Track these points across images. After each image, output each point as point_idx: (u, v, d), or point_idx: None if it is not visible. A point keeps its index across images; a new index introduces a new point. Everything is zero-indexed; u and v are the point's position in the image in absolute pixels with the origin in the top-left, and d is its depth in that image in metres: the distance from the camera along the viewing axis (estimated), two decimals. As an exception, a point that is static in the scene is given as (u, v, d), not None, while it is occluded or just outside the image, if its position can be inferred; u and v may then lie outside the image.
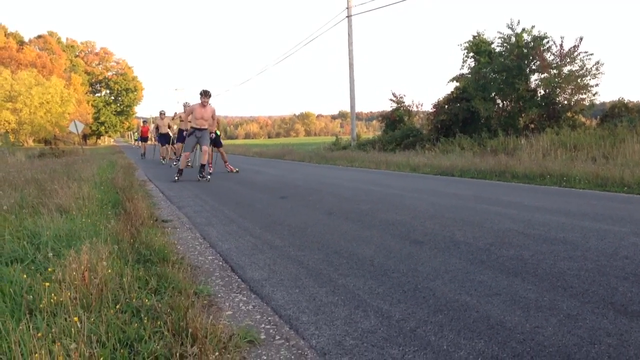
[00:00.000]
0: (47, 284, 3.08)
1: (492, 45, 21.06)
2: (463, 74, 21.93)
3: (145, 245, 4.44)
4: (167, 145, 21.60)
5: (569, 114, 19.11)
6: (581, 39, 18.53)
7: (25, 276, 3.30)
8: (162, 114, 22.10)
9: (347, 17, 24.81)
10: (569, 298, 3.18)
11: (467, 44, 21.57)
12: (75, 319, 2.57)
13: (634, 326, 2.69)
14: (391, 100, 26.05)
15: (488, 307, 3.08)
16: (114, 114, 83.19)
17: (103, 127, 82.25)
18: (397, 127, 24.80)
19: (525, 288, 3.40)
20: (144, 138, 29.57)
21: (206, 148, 12.49)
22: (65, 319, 2.65)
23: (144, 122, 30.33)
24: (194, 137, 12.39)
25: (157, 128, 22.72)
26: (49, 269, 3.50)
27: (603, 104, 21.24)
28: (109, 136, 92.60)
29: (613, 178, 9.29)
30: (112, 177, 11.22)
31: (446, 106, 21.27)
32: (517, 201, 7.43)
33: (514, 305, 3.08)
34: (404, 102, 25.83)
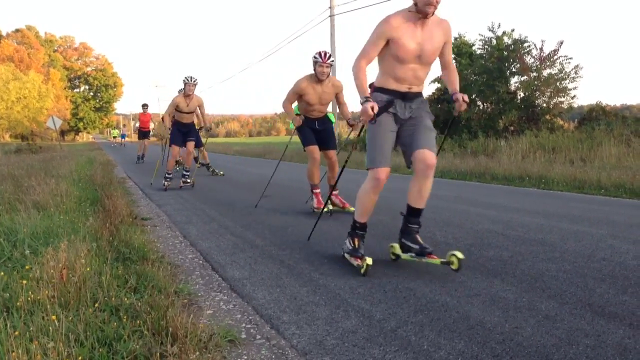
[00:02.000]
0: (25, 281, 3.03)
1: (473, 48, 21.24)
2: (444, 76, 22.05)
3: (125, 243, 4.40)
4: (144, 140, 20.51)
5: (547, 117, 19.35)
6: (561, 43, 18.72)
7: (1, 274, 3.24)
8: (145, 107, 20.73)
9: (330, 16, 24.81)
10: (548, 299, 3.21)
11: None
12: (53, 317, 2.53)
13: (611, 327, 2.73)
14: (373, 100, 26.08)
15: (468, 307, 3.10)
16: (92, 110, 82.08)
17: (82, 124, 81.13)
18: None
19: (505, 289, 3.43)
20: (143, 132, 20.90)
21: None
22: (43, 318, 2.61)
23: (144, 107, 20.83)
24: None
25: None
26: (26, 267, 3.45)
27: (581, 107, 21.55)
28: (88, 133, 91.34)
29: (590, 181, 9.43)
30: (91, 174, 11.09)
31: (427, 107, 21.36)
32: (496, 202, 7.50)
33: (494, 306, 3.11)
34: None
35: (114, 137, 54.94)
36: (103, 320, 2.66)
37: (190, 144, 10.73)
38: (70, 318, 2.65)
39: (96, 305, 2.86)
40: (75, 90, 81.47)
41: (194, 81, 10.08)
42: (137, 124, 21.02)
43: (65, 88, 72.77)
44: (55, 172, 10.28)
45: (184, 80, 10.07)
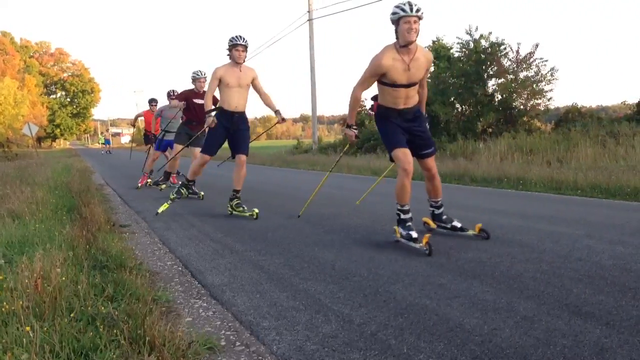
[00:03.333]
0: (-2, 292, 2.97)
1: (451, 51, 21.42)
2: (423, 79, 22.18)
3: (102, 251, 4.34)
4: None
5: (525, 119, 19.60)
6: (537, 45, 19.03)
7: (-26, 285, 3.18)
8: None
9: (309, 20, 24.88)
10: (526, 300, 3.24)
11: (426, 49, 21.82)
12: (28, 328, 2.49)
13: (588, 327, 2.76)
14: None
15: (447, 309, 3.11)
16: (69, 117, 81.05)
17: (58, 130, 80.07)
18: (359, 130, 24.94)
19: (484, 290, 3.45)
20: (148, 137, 13.37)
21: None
22: (17, 328, 2.57)
23: (152, 103, 13.27)
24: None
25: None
26: (0, 277, 3.38)
27: (557, 109, 21.83)
28: (65, 139, 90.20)
29: (567, 181, 9.55)
30: (68, 181, 10.96)
31: (406, 110, 21.46)
32: (475, 204, 7.56)
33: (473, 308, 3.12)
34: (365, 106, 26.02)
35: (104, 144, 50.65)
36: (79, 330, 2.62)
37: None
38: (46, 329, 2.60)
39: (72, 315, 2.81)
40: (51, 96, 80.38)
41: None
42: (141, 123, 14.59)
43: (41, 94, 71.71)
44: (31, 180, 10.15)
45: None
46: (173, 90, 11.23)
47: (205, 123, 6.88)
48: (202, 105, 8.60)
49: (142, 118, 13.70)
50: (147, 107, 13.47)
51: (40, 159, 26.68)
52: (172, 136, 10.18)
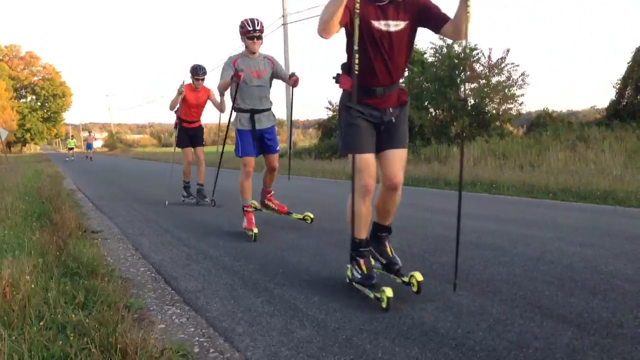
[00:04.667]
0: (-35, 301, 2.90)
1: (425, 56, 21.61)
2: (397, 83, 22.31)
3: (73, 258, 4.26)
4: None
5: (497, 123, 19.88)
6: (508, 51, 19.37)
7: (-61, 293, 3.10)
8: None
9: (283, 24, 24.86)
10: (499, 303, 3.27)
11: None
12: (-5, 338, 2.43)
13: (559, 329, 2.79)
14: (328, 108, 26.35)
15: (422, 313, 3.13)
16: (40, 121, 79.48)
17: (29, 134, 78.44)
18: (333, 135, 25.01)
19: (457, 294, 3.47)
20: (190, 131, 9.05)
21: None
22: (-16, 338, 2.50)
23: (196, 72, 8.46)
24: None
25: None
26: (-33, 285, 3.30)
27: (529, 113, 22.23)
28: (35, 144, 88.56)
29: (539, 185, 9.69)
30: (38, 186, 10.76)
31: (381, 114, 21.55)
32: (450, 208, 7.61)
33: (447, 312, 3.14)
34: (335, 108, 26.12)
35: (70, 149, 40.37)
36: (49, 338, 2.57)
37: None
38: (14, 337, 2.55)
39: (42, 323, 2.76)
40: (21, 100, 78.74)
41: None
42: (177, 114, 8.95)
43: (11, 98, 70.23)
44: (1, 185, 9.93)
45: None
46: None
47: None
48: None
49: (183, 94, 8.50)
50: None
51: (10, 164, 26.13)
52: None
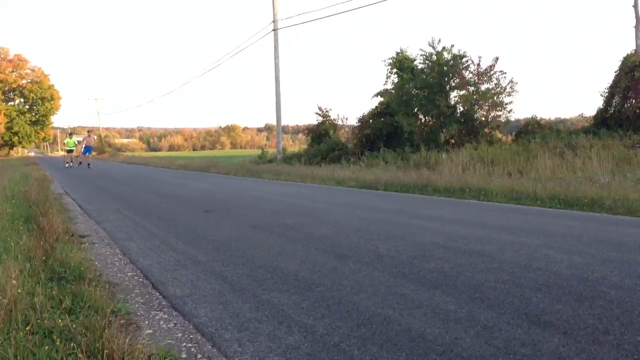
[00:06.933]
0: (-51, 306, 2.87)
1: (415, 62, 21.70)
2: (387, 89, 22.42)
3: (60, 263, 4.23)
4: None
5: (486, 130, 20.00)
6: (497, 58, 19.50)
7: None
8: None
9: (274, 30, 24.88)
10: (486, 309, 3.28)
11: (390, 60, 22.02)
12: (-20, 343, 2.40)
13: (546, 336, 2.81)
14: (317, 114, 26.34)
15: (410, 319, 3.13)
16: (28, 124, 78.92)
17: (16, 138, 77.85)
18: (322, 140, 25.04)
19: (445, 300, 3.49)
20: None
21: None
22: (-31, 344, 2.48)
23: None
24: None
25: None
26: (-48, 290, 3.26)
27: (518, 120, 22.37)
28: (23, 147, 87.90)
29: (527, 192, 9.73)
30: (25, 190, 10.66)
31: (371, 120, 21.64)
32: (438, 215, 7.65)
33: (435, 318, 3.15)
34: (329, 116, 26.16)
35: (70, 151, 28.73)
36: (35, 343, 2.55)
37: None
38: (0, 342, 2.52)
39: (28, 328, 2.73)
40: (9, 103, 78.21)
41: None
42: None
43: (-2, 101, 69.85)
44: (-13, 189, 9.83)
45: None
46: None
47: None
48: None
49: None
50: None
51: (-4, 167, 25.89)
52: None
